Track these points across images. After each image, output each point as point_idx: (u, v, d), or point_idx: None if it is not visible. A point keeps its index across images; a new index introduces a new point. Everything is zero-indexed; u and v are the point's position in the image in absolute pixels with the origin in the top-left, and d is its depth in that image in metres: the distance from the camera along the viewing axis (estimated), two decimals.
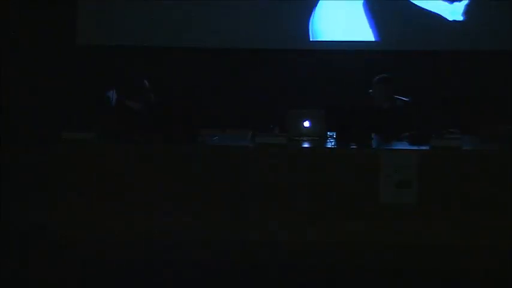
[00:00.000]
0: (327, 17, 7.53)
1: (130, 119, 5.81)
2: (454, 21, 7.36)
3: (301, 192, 5.21)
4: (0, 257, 4.94)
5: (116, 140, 5.55)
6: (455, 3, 7.35)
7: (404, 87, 6.25)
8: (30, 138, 5.68)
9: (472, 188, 5.11)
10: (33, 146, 5.46)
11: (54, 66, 7.56)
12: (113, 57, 7.55)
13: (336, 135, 5.57)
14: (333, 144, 5.49)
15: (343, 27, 7.49)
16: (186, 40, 7.60)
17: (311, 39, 7.55)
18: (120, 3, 7.69)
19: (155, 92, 6.29)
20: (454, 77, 7.33)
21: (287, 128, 5.67)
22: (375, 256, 5.04)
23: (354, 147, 5.37)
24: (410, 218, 5.13)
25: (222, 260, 4.99)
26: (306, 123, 5.68)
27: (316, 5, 7.52)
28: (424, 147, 5.28)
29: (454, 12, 7.38)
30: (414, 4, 7.41)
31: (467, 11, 7.35)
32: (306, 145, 5.53)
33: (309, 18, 7.53)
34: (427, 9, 7.39)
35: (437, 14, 7.38)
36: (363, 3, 7.46)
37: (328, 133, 5.67)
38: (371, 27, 7.45)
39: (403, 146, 5.39)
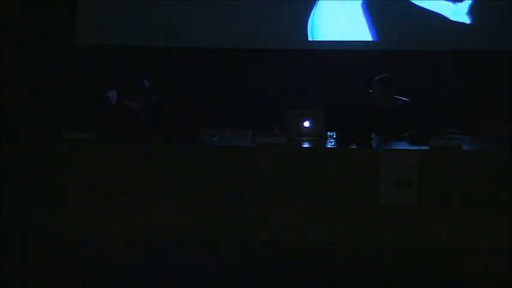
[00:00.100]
0: (327, 17, 7.53)
1: (130, 119, 5.81)
2: (454, 21, 7.36)
3: (301, 192, 5.21)
4: (0, 257, 4.94)
5: (116, 140, 5.55)
6: (457, 3, 7.34)
7: (404, 87, 6.25)
8: (30, 138, 5.68)
9: (472, 188, 5.11)
10: (33, 146, 5.46)
11: (54, 66, 7.56)
12: (113, 57, 7.55)
13: (336, 135, 5.57)
14: (333, 144, 5.49)
15: (343, 27, 7.49)
16: (186, 40, 7.60)
17: (311, 39, 7.55)
18: (120, 3, 7.69)
19: (155, 92, 6.29)
20: (454, 77, 7.33)
21: (287, 128, 5.67)
22: (375, 256, 5.04)
23: (354, 147, 5.37)
24: (410, 218, 5.13)
25: (222, 260, 4.99)
26: (306, 123, 5.68)
27: (315, 5, 7.52)
28: (424, 147, 5.28)
29: (455, 12, 7.37)
30: (414, 4, 7.40)
31: (468, 11, 7.35)
32: (306, 145, 5.53)
33: (309, 18, 7.53)
34: (426, 9, 7.39)
35: (437, 13, 7.37)
36: (362, 3, 7.46)
37: (328, 133, 5.67)
38: (370, 27, 7.45)
39: (403, 146, 5.39)
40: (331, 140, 5.55)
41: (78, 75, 7.52)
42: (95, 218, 5.30)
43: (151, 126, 5.63)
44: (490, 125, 5.66)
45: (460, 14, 7.37)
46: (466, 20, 7.35)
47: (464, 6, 7.36)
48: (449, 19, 7.37)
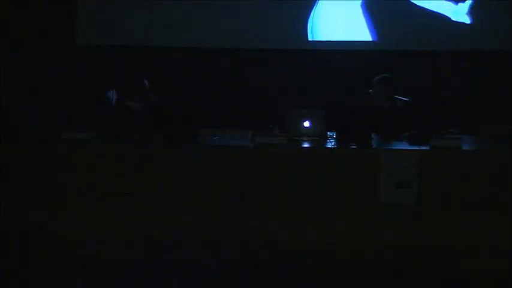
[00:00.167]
0: (327, 17, 7.53)
1: (130, 119, 5.81)
2: (454, 21, 7.36)
3: (301, 192, 5.21)
4: (0, 257, 4.94)
5: (116, 140, 5.55)
6: (458, 4, 7.34)
7: (404, 87, 6.25)
8: (30, 138, 5.68)
9: (472, 188, 5.11)
10: (33, 146, 5.46)
11: (54, 66, 7.56)
12: (113, 57, 7.54)
13: (336, 135, 5.57)
14: (333, 144, 5.49)
15: (343, 27, 7.49)
16: (186, 40, 7.60)
17: (311, 39, 7.55)
18: (120, 3, 7.69)
19: (155, 92, 6.29)
20: (454, 77, 7.33)
21: (287, 128, 5.67)
22: (375, 256, 5.04)
23: (354, 147, 5.37)
24: (410, 218, 5.13)
25: (222, 260, 4.99)
26: (306, 123, 5.68)
27: (315, 5, 7.52)
28: (424, 147, 5.28)
29: (455, 12, 7.37)
30: (414, 4, 7.40)
31: (468, 11, 7.35)
32: (306, 145, 5.53)
33: (309, 18, 7.53)
34: (426, 9, 7.38)
35: (437, 13, 7.37)
36: (361, 3, 7.46)
37: (328, 133, 5.66)
38: (369, 27, 7.45)
39: (403, 146, 5.39)
40: (331, 140, 5.55)
41: (78, 75, 7.52)
42: (95, 218, 5.30)
43: (151, 126, 5.62)
44: (490, 125, 5.66)
45: (460, 14, 7.37)
46: (466, 20, 7.35)
47: (465, 6, 7.36)
48: (449, 19, 7.37)
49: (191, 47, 7.61)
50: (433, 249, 5.04)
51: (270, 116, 6.04)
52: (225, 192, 5.25)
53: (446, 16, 7.38)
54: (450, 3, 7.36)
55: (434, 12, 7.38)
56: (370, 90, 6.08)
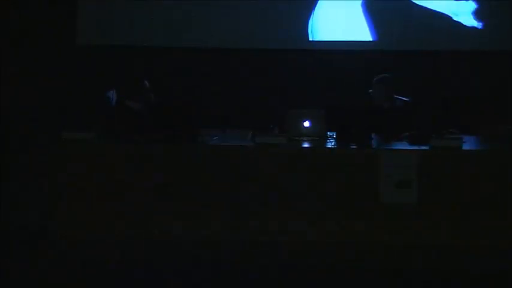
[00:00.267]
0: (327, 17, 7.53)
1: (130, 119, 5.81)
2: (454, 21, 7.36)
3: (301, 192, 5.21)
4: (0, 257, 4.94)
5: (116, 140, 5.55)
6: (458, 3, 7.34)
7: (404, 87, 6.25)
8: (30, 138, 5.68)
9: (472, 188, 5.11)
10: (33, 146, 5.46)
11: (54, 66, 7.56)
12: (113, 57, 7.54)
13: (336, 135, 5.57)
14: (333, 144, 5.49)
15: (342, 27, 7.49)
16: (186, 40, 7.60)
17: (311, 39, 7.55)
18: (120, 3, 7.69)
19: (155, 92, 6.28)
20: (454, 77, 7.33)
21: (287, 128, 5.67)
22: (375, 256, 5.04)
23: (354, 147, 5.37)
24: (410, 218, 5.13)
25: (222, 260, 4.99)
26: (306, 123, 5.68)
27: (315, 5, 7.52)
28: (424, 147, 5.28)
29: (455, 12, 7.37)
30: (414, 4, 7.40)
31: (468, 11, 7.35)
32: (306, 145, 5.53)
33: (309, 18, 7.53)
34: (426, 9, 7.38)
35: (437, 13, 7.37)
36: (361, 3, 7.46)
37: (328, 133, 5.67)
38: (370, 27, 7.45)
39: (403, 146, 5.39)
40: (331, 140, 5.55)
41: (78, 75, 7.52)
42: (95, 218, 5.31)
43: (151, 126, 5.63)
44: (490, 125, 5.66)
45: (460, 14, 7.37)
46: (467, 20, 7.35)
47: (465, 6, 7.36)
48: (449, 19, 7.37)
49: (191, 47, 7.61)
50: (433, 249, 5.04)
51: (270, 116, 6.04)
52: (225, 192, 5.25)
53: (446, 16, 7.37)
54: (450, 3, 7.35)
55: (434, 12, 7.37)
56: (370, 90, 6.08)
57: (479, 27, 7.33)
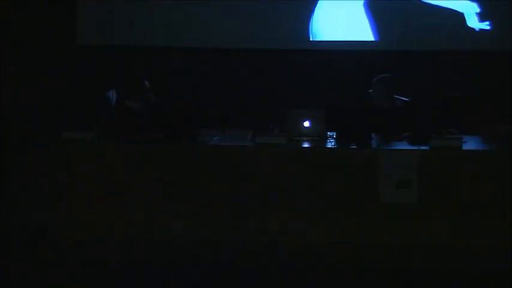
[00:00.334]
0: (327, 17, 7.53)
1: (130, 119, 5.81)
2: (455, 21, 7.35)
3: (301, 192, 5.21)
4: (0, 257, 4.94)
5: (116, 140, 5.55)
6: (459, 3, 7.33)
7: (404, 87, 6.24)
8: (30, 138, 5.68)
9: (472, 188, 5.11)
10: (33, 146, 5.46)
11: (54, 66, 7.56)
12: (113, 57, 7.54)
13: (336, 135, 5.57)
14: (333, 144, 5.49)
15: (343, 27, 7.48)
16: (186, 40, 7.60)
17: (311, 39, 7.55)
18: (120, 3, 7.69)
19: (155, 92, 6.28)
20: (454, 77, 7.32)
21: (287, 128, 5.67)
22: (375, 256, 5.04)
23: (354, 147, 5.37)
24: (410, 218, 5.13)
25: (222, 260, 4.99)
26: (306, 123, 5.68)
27: (316, 5, 7.52)
28: (424, 147, 5.28)
29: (455, 12, 7.37)
30: (414, 4, 7.39)
31: (468, 11, 7.35)
32: (306, 145, 5.53)
33: (309, 18, 7.53)
34: (426, 9, 7.37)
35: (438, 13, 7.36)
36: (364, 3, 7.45)
37: (328, 133, 5.66)
38: (371, 26, 7.45)
39: (403, 146, 5.39)
40: (331, 140, 5.55)
41: (78, 75, 7.52)
42: (95, 218, 5.30)
43: (151, 126, 5.63)
44: (490, 125, 5.66)
45: (460, 14, 7.36)
46: (467, 20, 7.34)
47: (465, 6, 7.35)
48: (449, 19, 7.36)
49: (191, 47, 7.61)
50: (433, 249, 5.04)
51: (270, 116, 6.04)
52: (225, 192, 5.25)
53: (446, 16, 7.36)
54: (450, 3, 7.34)
55: (434, 12, 7.37)
56: (370, 90, 6.08)
57: (480, 27, 7.33)
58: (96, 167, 5.35)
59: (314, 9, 7.53)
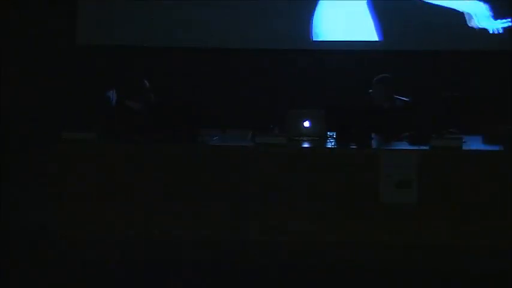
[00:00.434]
0: (327, 17, 7.53)
1: (131, 119, 5.81)
2: (455, 21, 7.35)
3: (301, 192, 5.21)
4: (0, 257, 4.94)
5: (116, 140, 5.55)
6: (459, 3, 7.33)
7: (404, 87, 6.24)
8: (30, 138, 5.68)
9: (472, 188, 5.11)
10: (33, 146, 5.46)
11: (54, 66, 7.56)
12: (113, 57, 7.54)
13: (336, 135, 5.57)
14: (333, 144, 5.49)
15: (343, 27, 7.48)
16: (186, 40, 7.60)
17: (311, 39, 7.55)
18: (120, 3, 7.69)
19: (155, 92, 6.28)
20: (454, 77, 7.32)
21: (287, 128, 5.67)
22: (375, 256, 5.04)
23: (354, 147, 5.37)
24: (410, 218, 5.13)
25: (222, 260, 4.99)
26: (306, 123, 5.68)
27: (316, 5, 7.52)
28: (424, 147, 5.28)
29: (455, 12, 7.36)
30: (415, 4, 7.39)
31: (469, 11, 7.35)
32: (306, 145, 5.53)
33: (309, 18, 7.53)
34: (426, 9, 7.37)
35: (438, 13, 7.36)
36: (367, 2, 7.44)
37: (328, 133, 5.66)
38: (374, 26, 7.44)
39: (403, 146, 5.39)
40: (331, 140, 5.55)
41: (78, 75, 7.52)
42: (95, 218, 5.30)
43: (151, 126, 5.62)
44: (490, 125, 5.66)
45: (460, 14, 7.36)
46: (467, 20, 7.34)
47: (465, 6, 7.35)
48: (449, 19, 7.36)
49: (191, 47, 7.61)
50: (433, 249, 5.04)
51: (270, 116, 6.04)
52: (225, 192, 5.25)
53: (446, 16, 7.36)
54: (451, 3, 7.34)
55: (434, 12, 7.36)
56: (370, 90, 6.08)
57: (480, 27, 7.33)
58: (96, 167, 5.35)
59: (314, 9, 7.53)
